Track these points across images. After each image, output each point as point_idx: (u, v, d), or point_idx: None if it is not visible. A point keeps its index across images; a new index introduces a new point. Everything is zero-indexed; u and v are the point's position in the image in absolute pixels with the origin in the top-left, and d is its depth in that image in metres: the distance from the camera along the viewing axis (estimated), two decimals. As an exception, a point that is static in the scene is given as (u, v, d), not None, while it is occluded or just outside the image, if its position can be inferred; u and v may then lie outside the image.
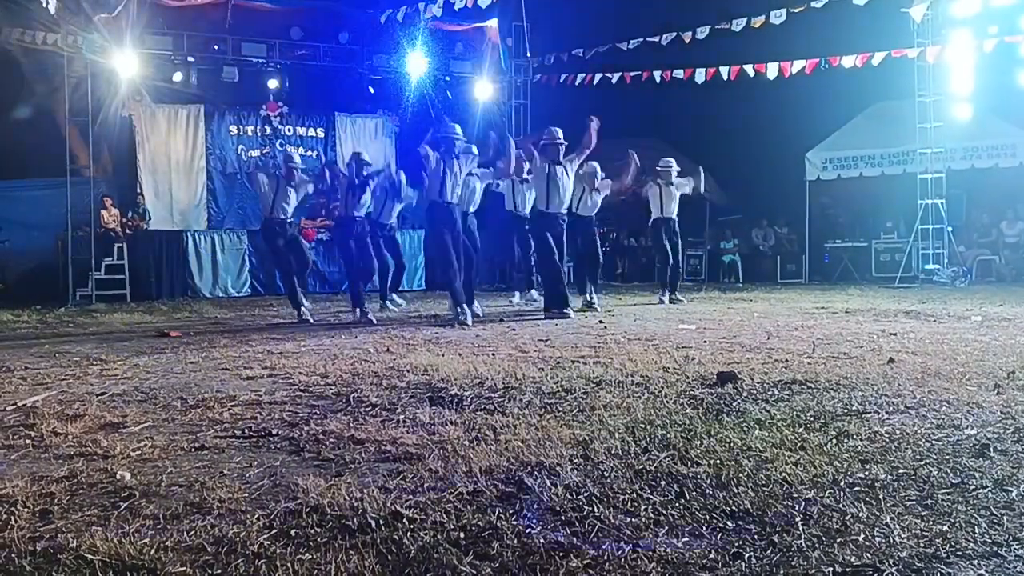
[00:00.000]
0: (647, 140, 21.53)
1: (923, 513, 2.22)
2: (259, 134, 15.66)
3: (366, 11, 14.98)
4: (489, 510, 2.29)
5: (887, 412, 3.47)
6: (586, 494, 2.40)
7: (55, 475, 2.70)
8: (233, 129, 15.45)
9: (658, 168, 11.13)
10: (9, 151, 15.52)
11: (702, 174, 11.46)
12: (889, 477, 2.54)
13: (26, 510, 2.34)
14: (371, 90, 16.03)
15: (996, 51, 13.60)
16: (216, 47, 14.14)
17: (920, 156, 14.81)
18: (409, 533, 2.11)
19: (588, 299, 9.90)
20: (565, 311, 8.64)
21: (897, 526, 2.12)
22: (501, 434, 3.16)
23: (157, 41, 13.63)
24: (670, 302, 10.64)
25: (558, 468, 2.66)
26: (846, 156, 16.73)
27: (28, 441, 3.20)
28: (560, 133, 9.19)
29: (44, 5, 12.60)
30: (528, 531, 2.12)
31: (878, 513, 2.21)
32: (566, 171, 9.09)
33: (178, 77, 14.42)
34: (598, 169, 10.36)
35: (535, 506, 2.32)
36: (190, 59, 14.20)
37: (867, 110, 17.41)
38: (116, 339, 7.18)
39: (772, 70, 14.59)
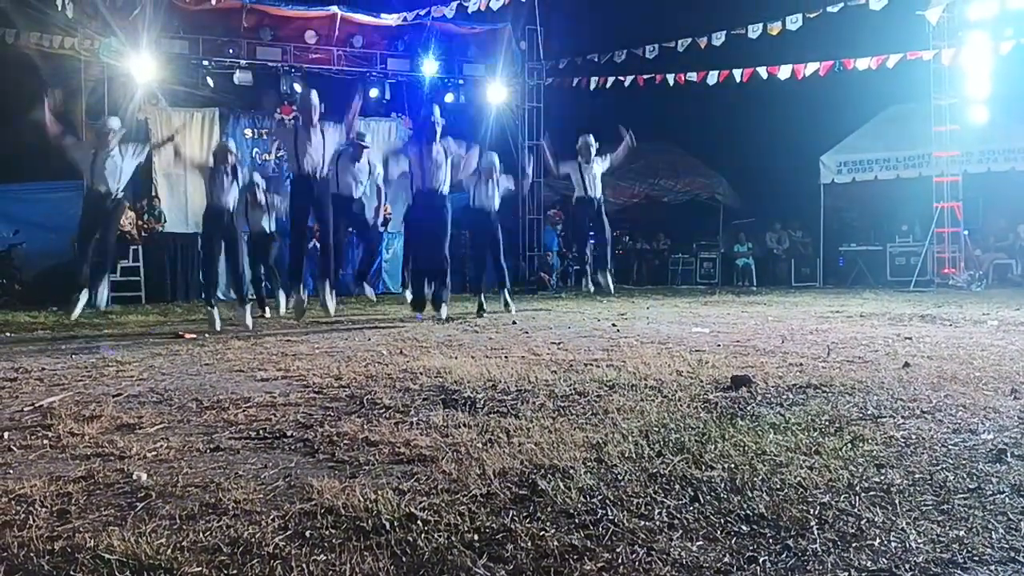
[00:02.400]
0: (661, 144, 21.54)
1: (939, 518, 2.21)
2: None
3: (380, 15, 15.04)
4: (503, 512, 2.29)
5: (903, 416, 3.45)
6: (600, 497, 2.40)
7: (72, 475, 2.72)
8: (248, 132, 15.54)
9: (578, 146, 10.46)
10: (27, 154, 15.65)
11: (626, 139, 10.40)
12: (905, 482, 2.52)
13: (44, 510, 2.36)
14: (377, 93, 16.06)
15: (1013, 54, 13.50)
16: (231, 51, 14.24)
17: (936, 159, 14.72)
18: (423, 535, 2.12)
19: (481, 302, 9.60)
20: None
21: (913, 531, 2.11)
22: (514, 437, 3.17)
23: (173, 45, 13.75)
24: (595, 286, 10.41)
25: (572, 471, 2.66)
26: (861, 159, 16.64)
27: (45, 441, 3.23)
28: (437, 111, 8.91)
29: (61, 9, 12.72)
30: (542, 534, 2.12)
31: (894, 518, 2.20)
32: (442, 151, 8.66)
33: (200, 81, 14.53)
34: (496, 161, 9.81)
35: (549, 509, 2.32)
36: (205, 63, 14.30)
37: (882, 113, 17.31)
38: (132, 341, 7.23)
39: (785, 72, 14.55)
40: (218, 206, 8.24)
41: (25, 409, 3.91)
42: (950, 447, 2.94)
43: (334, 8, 14.63)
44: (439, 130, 8.56)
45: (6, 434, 3.36)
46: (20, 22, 14.47)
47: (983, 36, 13.95)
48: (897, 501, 2.34)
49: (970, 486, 2.48)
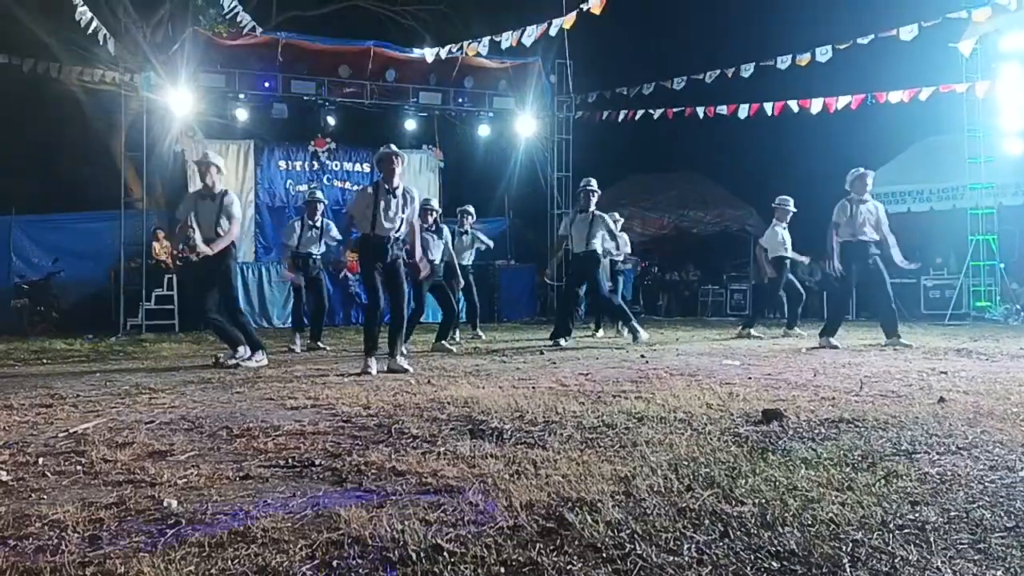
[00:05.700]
0: (689, 174, 21.54)
1: (975, 557, 2.16)
2: (307, 169, 16.00)
3: (412, 49, 15.28)
4: (530, 545, 2.28)
5: (938, 453, 3.38)
6: (628, 531, 2.38)
7: (104, 501, 2.75)
8: (282, 164, 15.82)
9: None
10: (69, 185, 16.06)
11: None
12: (940, 519, 2.47)
13: (76, 535, 2.38)
14: (415, 126, 16.28)
15: (1048, 86, 13.38)
16: (267, 84, 14.52)
17: (970, 192, 14.55)
18: (450, 566, 2.11)
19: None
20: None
21: (949, 570, 2.06)
22: (542, 468, 3.15)
23: (211, 79, 14.05)
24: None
25: (599, 504, 2.64)
26: (894, 191, 16.48)
27: (79, 467, 3.27)
28: (594, 183, 10.04)
29: (103, 44, 13.09)
30: (569, 568, 2.11)
31: (928, 556, 2.16)
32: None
33: (236, 114, 14.83)
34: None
35: (576, 542, 2.30)
36: (241, 96, 14.59)
37: (915, 145, 17.18)
38: (164, 368, 7.32)
39: (816, 106, 14.51)
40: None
41: (59, 435, 3.97)
42: (987, 484, 2.88)
43: (368, 43, 14.89)
44: (594, 200, 9.85)
45: (40, 459, 3.41)
46: (63, 57, 14.92)
47: (1017, 67, 13.85)
48: (932, 539, 2.29)
49: (1007, 524, 2.42)
